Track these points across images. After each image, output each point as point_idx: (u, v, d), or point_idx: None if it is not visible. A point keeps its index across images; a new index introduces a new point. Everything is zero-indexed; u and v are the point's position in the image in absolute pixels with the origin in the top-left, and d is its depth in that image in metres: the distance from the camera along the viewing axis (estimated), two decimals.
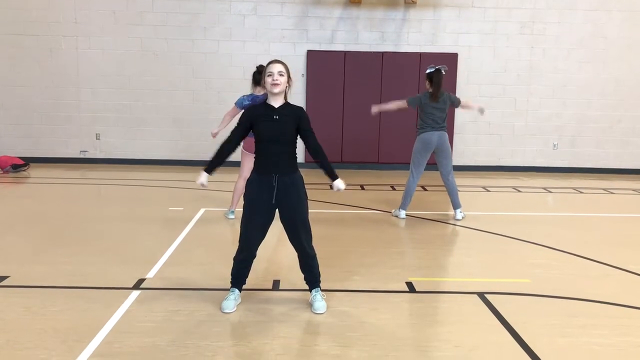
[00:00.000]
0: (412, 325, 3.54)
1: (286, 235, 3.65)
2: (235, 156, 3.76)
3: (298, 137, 3.63)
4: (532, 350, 3.15)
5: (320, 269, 3.75)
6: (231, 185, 6.52)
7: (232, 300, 3.64)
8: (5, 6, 10.10)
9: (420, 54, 10.35)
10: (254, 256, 3.66)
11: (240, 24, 10.35)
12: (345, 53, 10.36)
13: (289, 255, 4.33)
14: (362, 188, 8.63)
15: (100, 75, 10.37)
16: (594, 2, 10.41)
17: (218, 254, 4.87)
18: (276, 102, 3.57)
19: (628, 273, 4.61)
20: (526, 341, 3.26)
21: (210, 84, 10.46)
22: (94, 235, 5.45)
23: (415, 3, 10.19)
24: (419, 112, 6.36)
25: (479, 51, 10.50)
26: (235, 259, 3.67)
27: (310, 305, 3.68)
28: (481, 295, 3.99)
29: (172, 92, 10.46)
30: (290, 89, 3.66)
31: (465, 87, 10.51)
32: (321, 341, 3.27)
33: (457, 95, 10.14)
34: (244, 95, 5.93)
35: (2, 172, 9.28)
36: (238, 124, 3.66)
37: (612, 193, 8.72)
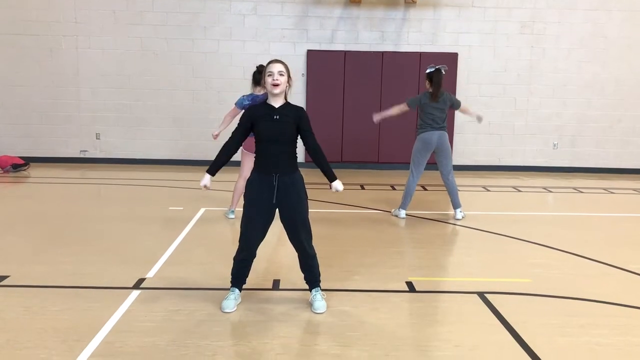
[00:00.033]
0: (412, 324, 3.55)
1: (286, 235, 3.66)
2: (235, 156, 3.76)
3: (298, 137, 3.63)
4: (532, 349, 3.16)
5: (320, 269, 3.76)
6: (231, 185, 6.52)
7: (232, 299, 3.64)
8: (5, 6, 10.10)
9: (421, 54, 10.35)
10: (254, 256, 3.66)
11: (240, 24, 10.35)
12: (345, 53, 10.35)
13: (289, 254, 4.33)
14: (362, 188, 8.63)
15: (100, 74, 10.37)
16: (594, 1, 10.41)
17: (218, 254, 4.87)
18: (276, 102, 3.57)
19: (628, 273, 4.61)
20: (526, 341, 3.27)
21: (210, 83, 10.46)
22: (94, 235, 5.45)
23: (415, 3, 10.18)
24: (418, 112, 6.36)
25: (479, 51, 10.50)
26: (235, 258, 3.68)
27: (310, 304, 3.68)
28: (481, 294, 3.99)
29: (172, 91, 10.46)
30: (291, 89, 3.66)
31: (465, 86, 10.51)
32: (321, 341, 3.27)
33: (458, 95, 10.18)
34: (243, 95, 5.93)
35: (2, 171, 9.28)
36: (239, 124, 3.66)
37: (612, 193, 8.72)
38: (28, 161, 9.74)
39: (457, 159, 10.24)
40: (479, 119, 6.60)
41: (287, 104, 3.61)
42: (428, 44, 10.46)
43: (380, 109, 10.21)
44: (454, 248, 5.54)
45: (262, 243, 3.64)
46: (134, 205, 6.93)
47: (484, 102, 10.60)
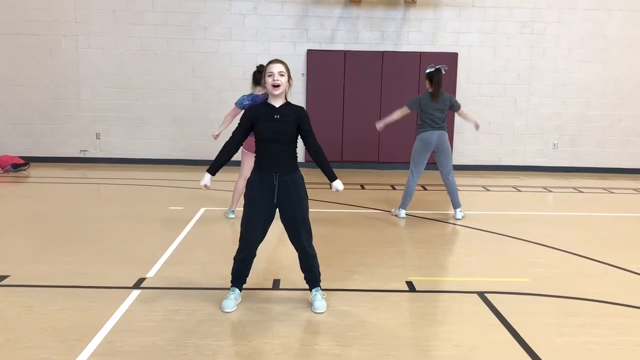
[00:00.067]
0: (412, 324, 3.55)
1: (286, 235, 3.66)
2: (235, 156, 3.77)
3: (299, 136, 3.64)
4: (531, 349, 3.16)
5: (321, 269, 3.76)
6: (231, 185, 6.53)
7: (233, 299, 3.64)
8: (5, 5, 10.10)
9: (421, 54, 10.35)
10: (254, 256, 3.67)
11: (240, 24, 10.35)
12: (345, 52, 10.35)
13: (289, 254, 4.33)
14: (362, 187, 8.63)
15: (101, 74, 10.37)
16: (594, 1, 10.41)
17: (218, 254, 4.87)
18: (277, 102, 3.57)
19: (628, 272, 4.61)
20: (526, 340, 3.27)
21: (210, 83, 10.46)
22: (94, 235, 5.45)
23: (416, 2, 10.18)
24: (418, 112, 6.36)
25: (479, 51, 10.50)
26: (235, 258, 3.68)
27: (310, 304, 3.69)
28: (481, 294, 4.00)
29: (172, 91, 10.47)
30: (291, 89, 3.66)
31: (465, 86, 10.51)
32: (321, 340, 3.27)
33: (458, 94, 10.20)
34: (243, 95, 5.93)
35: (2, 171, 9.28)
36: (239, 124, 3.66)
37: (612, 192, 8.73)
38: (28, 161, 9.75)
39: (457, 158, 10.25)
40: (477, 126, 6.57)
41: (287, 104, 3.61)
42: (428, 43, 10.46)
43: (380, 108, 10.33)
44: (454, 248, 5.55)
45: (262, 243, 3.65)
46: (134, 205, 6.94)
47: (484, 101, 10.60)
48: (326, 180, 3.73)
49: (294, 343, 3.22)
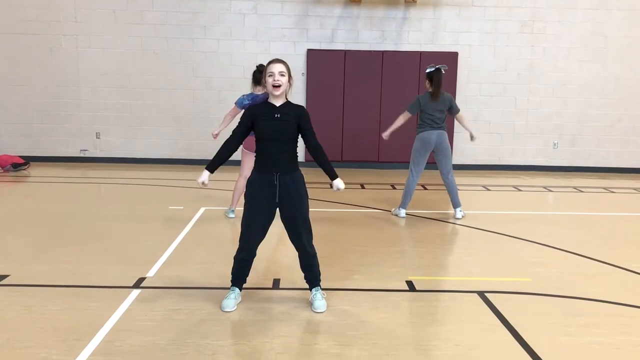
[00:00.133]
0: (412, 324, 3.54)
1: (287, 234, 3.65)
2: (235, 155, 3.76)
3: (299, 136, 3.63)
4: (532, 349, 3.15)
5: (321, 268, 3.76)
6: (231, 184, 6.52)
7: (233, 299, 3.64)
8: (5, 5, 10.10)
9: (421, 53, 10.34)
10: (254, 255, 3.66)
11: (241, 23, 10.35)
12: (345, 52, 10.35)
13: (290, 254, 4.33)
14: (363, 187, 8.63)
15: (100, 74, 10.36)
16: (594, 1, 10.40)
17: (218, 253, 4.87)
18: (277, 101, 3.57)
19: (628, 272, 4.61)
20: (526, 340, 3.26)
21: (211, 83, 10.46)
22: (94, 234, 5.45)
23: (416, 2, 10.18)
24: (419, 112, 6.35)
25: (479, 50, 10.50)
26: (235, 258, 3.68)
27: (310, 304, 3.68)
28: (481, 294, 3.99)
29: (172, 91, 10.46)
30: (291, 88, 3.66)
31: (465, 86, 10.51)
32: (321, 340, 3.27)
33: (458, 94, 10.22)
34: (243, 95, 5.93)
35: (2, 171, 9.28)
36: (239, 122, 3.66)
37: (612, 192, 8.72)
38: (28, 160, 9.74)
39: (458, 158, 10.24)
40: (472, 137, 6.52)
41: (288, 103, 3.61)
42: (428, 43, 10.46)
43: (381, 108, 10.35)
44: (454, 247, 5.54)
45: (262, 242, 3.64)
46: (134, 204, 6.93)
47: (484, 101, 10.60)
48: (326, 179, 3.73)
49: (294, 342, 3.22)
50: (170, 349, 3.07)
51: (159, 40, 10.30)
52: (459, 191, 6.56)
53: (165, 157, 10.63)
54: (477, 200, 7.79)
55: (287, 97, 3.64)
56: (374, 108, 10.42)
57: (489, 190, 8.70)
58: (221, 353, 3.05)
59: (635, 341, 3.30)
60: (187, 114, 10.52)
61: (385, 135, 6.54)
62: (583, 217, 6.85)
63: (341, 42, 10.42)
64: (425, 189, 8.41)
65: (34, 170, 9.46)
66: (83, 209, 6.64)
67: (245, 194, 3.62)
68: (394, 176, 9.54)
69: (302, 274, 3.74)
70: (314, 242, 3.70)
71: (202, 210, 6.54)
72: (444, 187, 6.67)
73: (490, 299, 3.90)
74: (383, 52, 10.36)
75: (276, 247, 5.12)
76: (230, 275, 3.71)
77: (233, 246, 3.80)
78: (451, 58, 10.21)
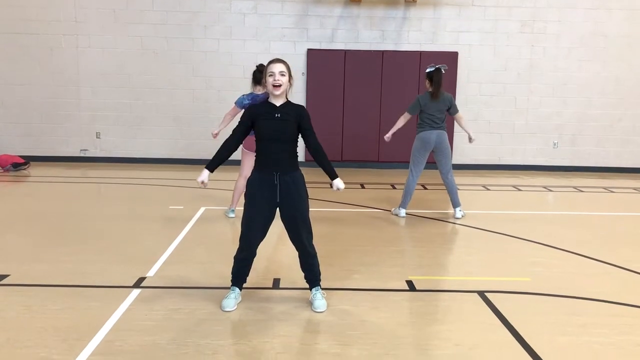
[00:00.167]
0: (412, 323, 3.55)
1: (287, 234, 3.65)
2: (235, 155, 3.76)
3: (299, 135, 3.63)
4: (532, 349, 3.16)
5: (321, 268, 3.76)
6: (231, 184, 6.52)
7: (233, 298, 3.64)
8: (5, 4, 10.09)
9: (421, 53, 10.34)
10: (255, 255, 3.66)
11: (241, 23, 10.35)
12: (345, 52, 10.35)
13: (290, 253, 4.33)
14: (362, 187, 8.63)
15: (100, 73, 10.36)
16: (594, 0, 10.40)
17: (218, 253, 4.87)
18: (277, 101, 3.57)
19: (628, 272, 4.61)
20: (526, 340, 3.26)
21: (211, 82, 10.46)
22: (94, 234, 5.45)
23: (416, 2, 10.18)
24: (419, 112, 6.35)
25: (479, 50, 10.50)
26: (235, 257, 3.68)
27: (310, 303, 3.68)
28: (481, 293, 3.99)
29: (172, 90, 10.46)
30: (291, 88, 3.66)
31: (465, 85, 10.51)
32: (321, 340, 3.27)
33: (458, 94, 10.21)
34: (243, 95, 5.93)
35: (2, 170, 9.28)
36: (240, 122, 3.65)
37: (612, 192, 8.72)
38: (28, 160, 9.74)
39: (457, 158, 10.24)
40: (470, 139, 6.53)
41: (288, 103, 3.61)
42: (428, 43, 10.46)
43: (381, 108, 10.35)
44: (454, 247, 5.54)
45: (262, 242, 3.64)
46: (134, 204, 6.93)
47: (484, 101, 10.60)
48: (326, 179, 3.73)
49: (294, 342, 3.22)
50: (171, 348, 3.07)
51: (159, 40, 10.30)
52: (458, 191, 6.56)
53: (165, 157, 10.63)
54: (477, 200, 7.79)
55: (288, 97, 3.64)
56: (374, 108, 10.42)
57: (488, 190, 8.70)
58: (221, 353, 3.05)
59: (636, 341, 3.30)
60: (187, 113, 10.52)
61: (387, 137, 6.55)
62: (583, 217, 6.85)
63: (341, 42, 10.42)
64: (425, 188, 8.41)
65: (34, 170, 9.46)
66: (83, 208, 6.64)
67: (245, 194, 3.62)
68: (394, 176, 9.54)
69: (302, 274, 3.74)
70: (314, 242, 3.70)
71: (202, 210, 6.54)
72: (443, 187, 6.67)
73: (490, 298, 3.90)
74: (383, 52, 10.36)
75: (276, 246, 5.12)
76: (230, 275, 3.71)
77: (233, 246, 3.80)
78: (451, 58, 10.21)
